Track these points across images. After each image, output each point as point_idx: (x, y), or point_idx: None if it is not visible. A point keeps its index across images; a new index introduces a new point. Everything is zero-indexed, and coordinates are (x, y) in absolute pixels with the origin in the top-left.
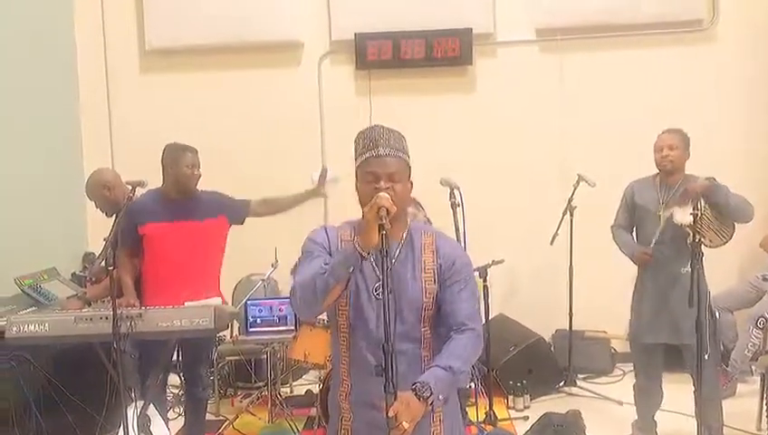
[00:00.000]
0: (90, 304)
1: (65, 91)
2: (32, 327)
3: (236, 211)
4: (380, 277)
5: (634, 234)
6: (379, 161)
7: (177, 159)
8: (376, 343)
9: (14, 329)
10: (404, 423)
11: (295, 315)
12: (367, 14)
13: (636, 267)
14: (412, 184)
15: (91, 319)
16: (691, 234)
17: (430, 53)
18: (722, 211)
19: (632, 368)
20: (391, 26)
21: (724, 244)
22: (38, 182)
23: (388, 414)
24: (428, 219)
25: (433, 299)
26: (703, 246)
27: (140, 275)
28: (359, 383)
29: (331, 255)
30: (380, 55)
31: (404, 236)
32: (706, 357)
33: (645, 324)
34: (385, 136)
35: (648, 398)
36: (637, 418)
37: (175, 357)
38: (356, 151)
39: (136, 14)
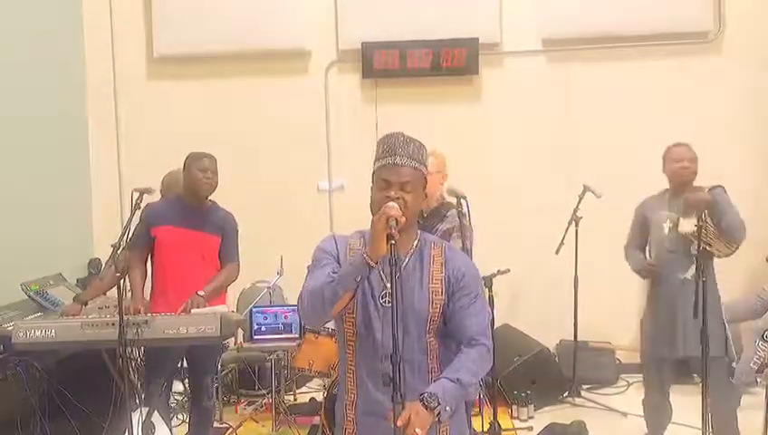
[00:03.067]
0: (86, 304)
1: (73, 97)
2: (38, 333)
3: (226, 248)
4: (387, 286)
5: (647, 251)
6: (394, 170)
7: (192, 164)
8: (382, 353)
9: (21, 334)
10: (417, 430)
11: (300, 323)
12: (374, 23)
13: (642, 279)
14: (426, 195)
15: (97, 325)
16: (695, 243)
17: (437, 62)
18: (716, 227)
19: (637, 379)
20: (398, 36)
21: (734, 252)
22: (45, 188)
23: (397, 423)
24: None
25: (440, 310)
26: (713, 255)
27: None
28: (364, 393)
29: (339, 263)
30: (387, 64)
31: (414, 245)
32: (733, 365)
33: (656, 339)
34: (404, 145)
35: (658, 414)
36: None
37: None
38: (375, 156)
39: (144, 21)
